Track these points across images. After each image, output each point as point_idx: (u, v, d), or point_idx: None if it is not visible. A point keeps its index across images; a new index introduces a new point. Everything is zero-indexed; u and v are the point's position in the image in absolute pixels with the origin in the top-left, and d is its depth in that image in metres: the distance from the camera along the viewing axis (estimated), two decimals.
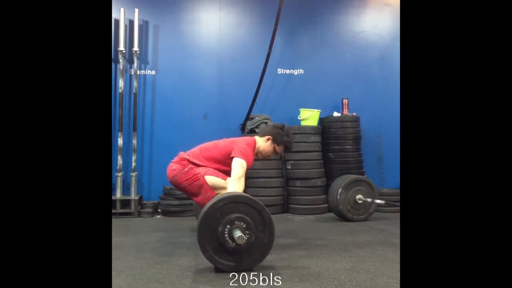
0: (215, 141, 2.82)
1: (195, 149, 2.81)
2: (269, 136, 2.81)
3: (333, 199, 3.69)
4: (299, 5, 4.78)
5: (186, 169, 2.68)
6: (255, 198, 2.14)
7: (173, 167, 2.73)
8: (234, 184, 2.47)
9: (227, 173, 2.68)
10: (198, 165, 2.69)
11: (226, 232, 2.04)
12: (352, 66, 4.87)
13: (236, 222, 2.05)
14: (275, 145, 2.81)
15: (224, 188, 2.59)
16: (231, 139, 2.82)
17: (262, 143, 2.81)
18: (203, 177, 2.64)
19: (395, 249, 2.61)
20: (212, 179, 2.64)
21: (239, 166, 2.53)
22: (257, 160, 2.92)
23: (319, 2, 4.85)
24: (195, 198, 2.71)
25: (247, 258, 2.10)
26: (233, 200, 2.09)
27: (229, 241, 2.04)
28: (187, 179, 2.67)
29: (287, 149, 2.90)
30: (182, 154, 2.77)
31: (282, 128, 2.84)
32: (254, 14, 4.75)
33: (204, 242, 2.05)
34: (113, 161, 4.13)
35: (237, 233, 2.01)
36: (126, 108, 4.39)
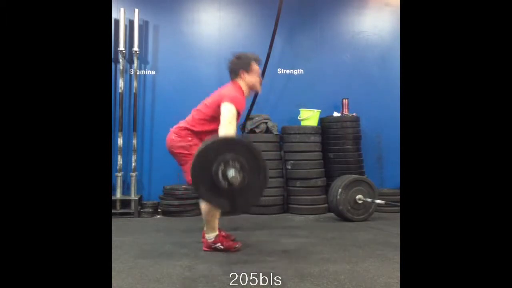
0: (204, 100, 2.78)
1: (190, 115, 2.78)
2: (241, 71, 2.76)
3: (333, 199, 3.69)
4: (299, 5, 4.78)
5: (186, 144, 2.67)
6: (252, 143, 2.12)
7: (172, 136, 2.72)
8: (225, 128, 2.43)
9: None
10: (197, 133, 2.68)
11: (220, 172, 2.03)
12: (352, 66, 4.86)
13: (230, 162, 2.04)
14: (250, 70, 2.78)
15: None
16: (216, 92, 2.76)
17: (243, 82, 2.77)
18: None
19: (395, 249, 2.61)
20: None
21: (227, 110, 2.49)
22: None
23: (319, 2, 4.85)
24: (185, 168, 2.68)
25: (240, 199, 2.11)
26: (229, 142, 2.10)
27: (223, 180, 2.04)
28: (186, 154, 2.65)
29: (255, 61, 2.83)
30: (181, 123, 2.75)
31: (237, 57, 2.81)
32: (254, 14, 4.74)
33: (198, 181, 2.04)
34: (113, 161, 4.12)
35: (231, 173, 2.01)
36: (126, 108, 4.39)
